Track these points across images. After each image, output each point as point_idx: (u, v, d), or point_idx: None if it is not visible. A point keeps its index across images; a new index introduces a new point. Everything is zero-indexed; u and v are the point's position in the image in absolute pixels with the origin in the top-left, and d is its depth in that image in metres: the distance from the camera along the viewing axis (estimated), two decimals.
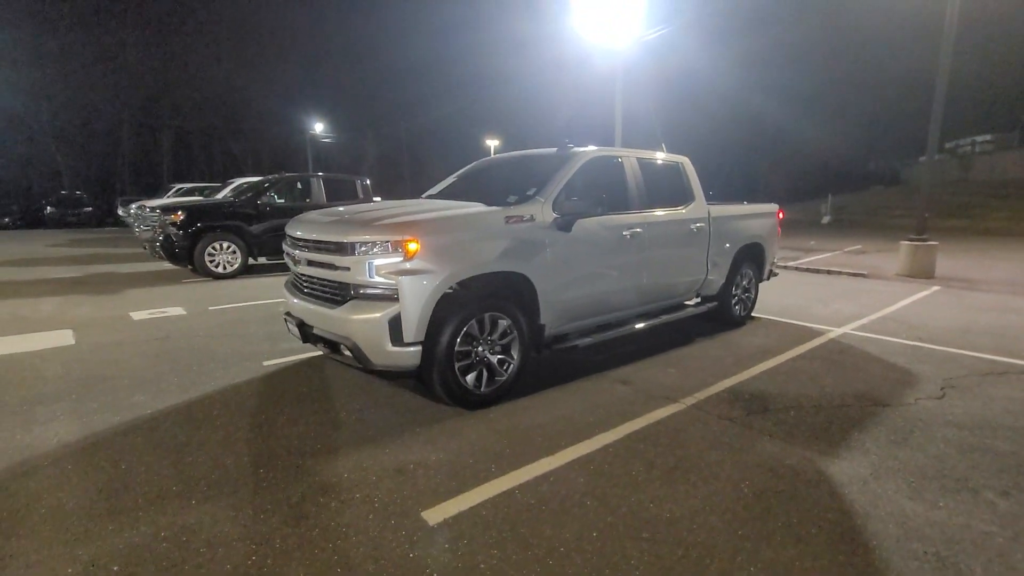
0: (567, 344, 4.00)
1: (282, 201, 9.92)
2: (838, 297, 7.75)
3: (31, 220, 23.85)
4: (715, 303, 5.54)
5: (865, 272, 9.94)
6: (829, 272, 10.36)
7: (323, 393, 3.75)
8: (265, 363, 4.41)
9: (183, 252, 8.56)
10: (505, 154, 4.88)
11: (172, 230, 8.55)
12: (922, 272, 9.37)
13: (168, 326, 5.73)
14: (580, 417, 3.38)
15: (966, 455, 2.95)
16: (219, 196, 11.18)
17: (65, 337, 5.24)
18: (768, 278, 6.42)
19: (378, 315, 3.04)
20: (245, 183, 11.27)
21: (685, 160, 5.24)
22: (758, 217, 5.99)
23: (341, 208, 4.20)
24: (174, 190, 18.83)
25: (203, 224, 8.61)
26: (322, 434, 3.11)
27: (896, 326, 5.94)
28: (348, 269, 3.18)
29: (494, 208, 3.61)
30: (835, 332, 5.67)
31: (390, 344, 3.07)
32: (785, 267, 11.02)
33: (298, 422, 3.27)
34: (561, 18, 15.36)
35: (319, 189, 10.01)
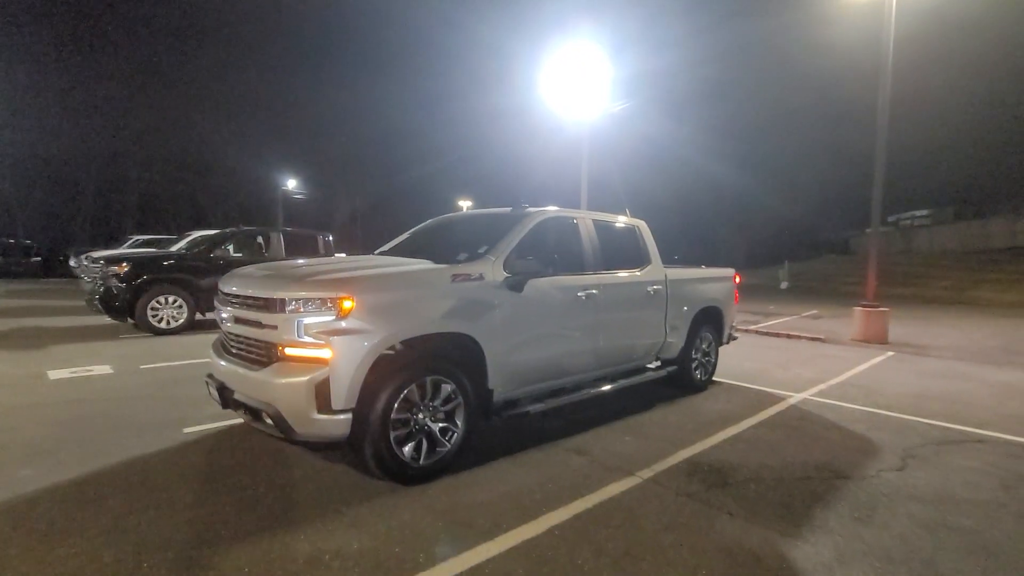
0: (518, 410, 3.75)
1: (239, 255, 9.59)
2: (797, 362, 7.78)
3: None
4: (675, 367, 5.42)
5: (822, 336, 10.12)
6: (788, 336, 10.51)
7: (244, 466, 3.36)
8: (185, 430, 3.98)
9: (124, 305, 8.05)
10: (462, 212, 4.82)
11: (114, 282, 8.07)
12: (876, 337, 9.58)
13: (88, 387, 5.21)
14: (528, 493, 3.09)
15: (931, 533, 2.78)
16: (173, 249, 10.78)
17: None
18: (728, 341, 6.39)
19: (304, 379, 2.77)
20: (201, 236, 10.92)
21: (641, 223, 5.28)
22: (715, 281, 6.03)
23: (278, 263, 3.97)
24: (131, 241, 18.21)
25: (149, 276, 8.17)
26: (231, 517, 2.72)
27: (854, 392, 5.91)
28: (275, 328, 2.92)
29: (440, 266, 3.46)
30: (795, 398, 5.59)
31: (316, 411, 2.78)
32: (746, 330, 11.15)
33: (206, 502, 2.87)
34: (532, 91, 16.17)
35: (278, 244, 9.76)
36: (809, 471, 3.57)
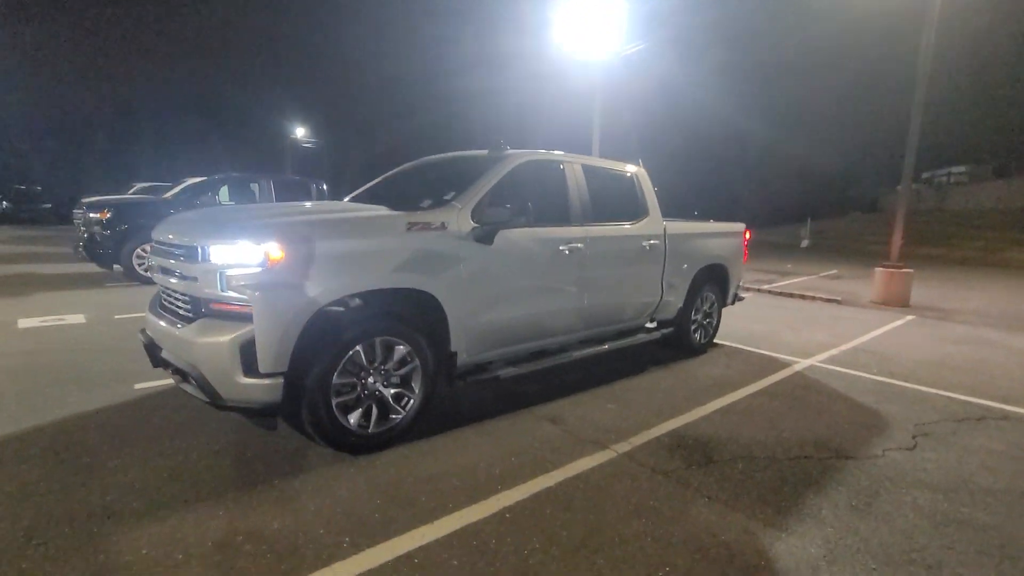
0: (487, 375, 3.42)
1: (231, 202, 9.27)
2: (809, 324, 7.31)
3: None
4: (672, 329, 5.02)
5: (839, 298, 9.57)
6: (803, 297, 9.98)
7: (186, 428, 3.11)
8: (137, 386, 3.75)
9: (108, 254, 7.84)
10: (438, 156, 4.34)
11: (97, 229, 7.83)
12: (897, 300, 9.01)
13: (53, 337, 5.03)
14: (486, 467, 2.79)
15: (940, 529, 2.42)
16: (167, 195, 10.48)
17: None
18: (733, 302, 5.95)
19: (226, 338, 2.44)
20: (193, 183, 10.59)
21: (640, 171, 4.75)
22: (721, 236, 5.52)
23: (216, 208, 3.57)
24: (133, 189, 17.99)
25: (131, 224, 7.90)
26: (151, 486, 2.47)
27: (867, 358, 5.48)
28: (196, 280, 2.58)
29: (394, 212, 3.05)
30: (802, 364, 5.18)
31: (241, 375, 2.46)
32: (758, 290, 10.64)
33: (130, 468, 2.63)
34: (543, 33, 15.06)
35: (268, 190, 9.38)
36: (807, 449, 3.22)
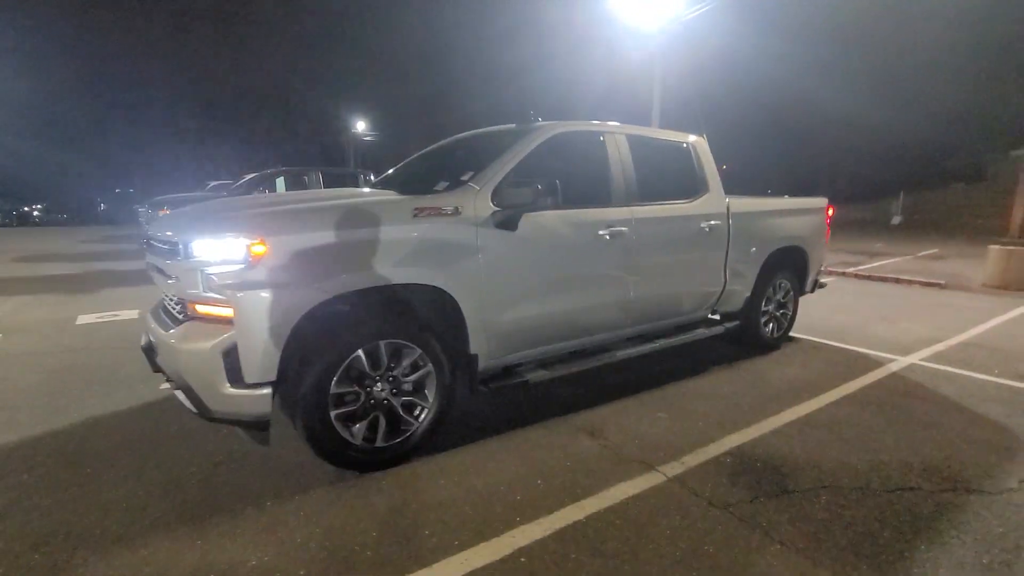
0: (514, 380, 3.00)
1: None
2: (907, 313, 6.30)
3: (86, 217, 25.05)
4: (737, 322, 4.36)
5: (943, 281, 8.29)
6: (898, 281, 8.76)
7: (196, 433, 2.94)
8: (163, 386, 3.66)
9: None
10: (467, 133, 3.92)
11: None
12: (1018, 283, 7.66)
13: (103, 333, 5.15)
14: (506, 492, 2.39)
15: None
16: (226, 192, 10.85)
17: None
18: (813, 290, 5.15)
19: (207, 345, 2.18)
20: (251, 177, 10.89)
21: (699, 141, 4.10)
22: (798, 214, 4.74)
23: (223, 199, 3.35)
24: (209, 186, 19.06)
25: None
26: (138, 504, 2.28)
27: (985, 356, 4.54)
28: (178, 279, 2.33)
29: (398, 198, 2.68)
30: (900, 363, 4.36)
31: (226, 385, 2.19)
32: (843, 273, 9.49)
33: (125, 481, 2.46)
34: (596, 5, 14.18)
35: (316, 183, 9.41)
36: (912, 477, 2.56)
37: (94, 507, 2.25)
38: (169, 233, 2.41)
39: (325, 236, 2.30)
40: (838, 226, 18.61)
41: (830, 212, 5.06)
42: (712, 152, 4.12)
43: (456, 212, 2.66)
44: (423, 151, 4.09)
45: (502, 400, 3.48)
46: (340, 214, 2.40)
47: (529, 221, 2.88)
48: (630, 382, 3.82)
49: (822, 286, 5.25)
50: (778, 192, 5.93)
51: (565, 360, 3.31)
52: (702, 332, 4.07)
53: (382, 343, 2.48)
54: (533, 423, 3.14)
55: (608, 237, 3.24)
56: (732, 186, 4.28)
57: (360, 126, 37.83)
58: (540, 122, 3.28)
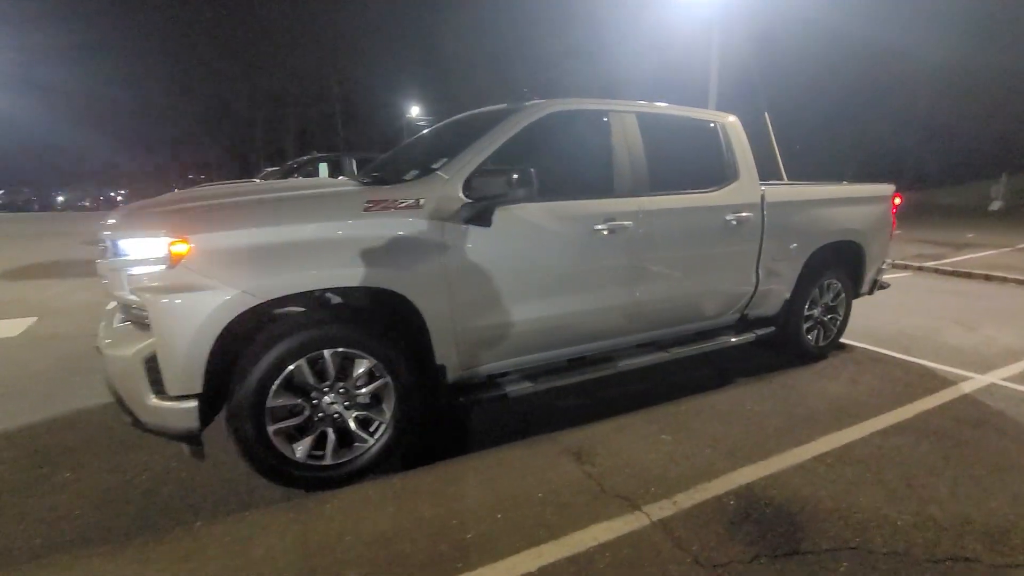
0: (491, 393, 2.68)
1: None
2: (994, 318, 5.38)
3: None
4: (772, 328, 3.80)
5: None
6: (988, 278, 7.61)
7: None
8: None
9: None
10: (463, 115, 3.57)
11: None
12: None
13: None
14: (458, 529, 2.10)
15: None
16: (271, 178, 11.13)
17: (18, 326, 4.98)
18: (872, 291, 4.45)
19: (129, 352, 2.01)
20: (292, 163, 11.10)
21: (728, 120, 3.54)
22: (854, 204, 4.06)
23: (181, 192, 3.16)
24: (263, 172, 19.84)
25: None
26: (73, 514, 2.17)
27: None
28: (106, 280, 2.18)
29: (350, 190, 2.40)
30: (976, 382, 3.66)
31: (152, 396, 2.03)
32: (920, 268, 8.39)
33: (73, 486, 2.38)
34: None
35: (350, 169, 9.38)
36: (969, 542, 2.03)
37: (30, 515, 2.17)
38: (106, 231, 2.26)
39: (257, 234, 2.06)
40: (922, 212, 16.66)
41: (896, 201, 4.32)
42: (776, 133, 3.57)
43: (416, 205, 2.34)
44: (417, 136, 3.79)
45: (485, 414, 3.18)
46: (276, 209, 2.15)
47: (507, 215, 2.53)
48: (637, 394, 3.40)
49: (883, 287, 4.53)
50: (856, 179, 5.15)
51: (558, 370, 2.95)
52: (726, 339, 3.56)
53: (328, 352, 2.23)
54: (515, 441, 2.82)
55: (606, 232, 2.82)
56: (801, 171, 3.71)
57: (414, 111, 38.18)
58: (533, 101, 2.88)
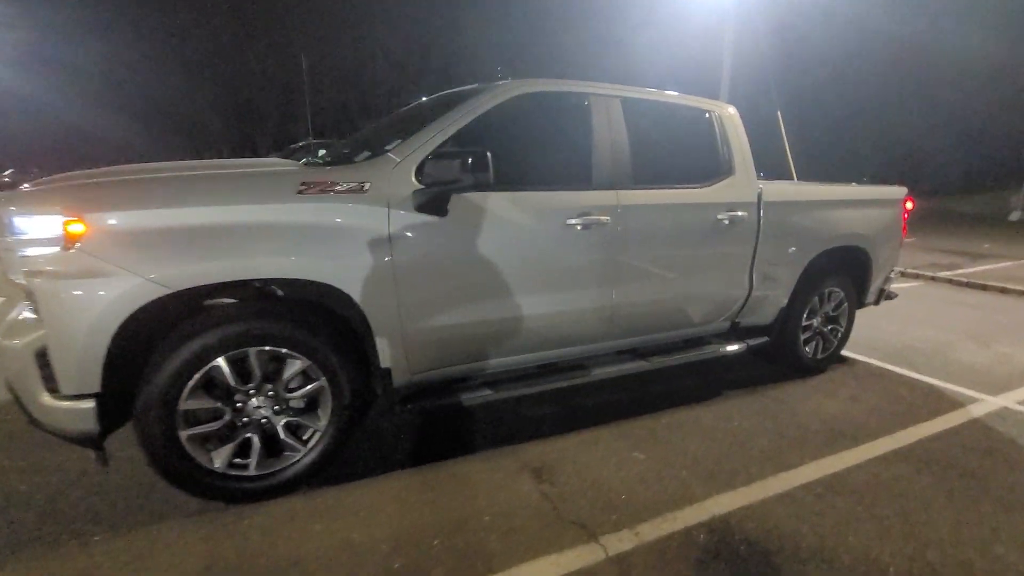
0: (443, 401, 2.43)
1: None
2: (1009, 334, 5.04)
3: None
4: (766, 338, 3.52)
5: None
6: (1004, 291, 7.23)
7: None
8: None
9: None
10: (441, 93, 3.30)
11: None
12: None
13: None
14: (387, 557, 1.85)
15: None
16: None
17: None
18: (878, 301, 4.14)
19: (20, 343, 1.79)
20: (295, 146, 10.91)
21: (725, 111, 3.25)
22: (861, 207, 3.75)
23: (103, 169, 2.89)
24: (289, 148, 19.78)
25: None
26: None
27: None
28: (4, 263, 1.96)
29: (284, 170, 2.17)
30: (986, 404, 3.36)
31: (45, 394, 1.80)
32: (933, 278, 8.01)
33: None
34: None
35: None
36: None
37: None
38: (9, 207, 2.03)
39: (166, 215, 1.82)
40: (938, 220, 16.13)
41: (908, 206, 4.00)
42: (792, 133, 3.28)
43: (360, 189, 2.09)
44: (390, 116, 3.54)
45: (448, 421, 2.94)
46: (191, 188, 1.91)
47: (466, 204, 2.27)
48: (614, 405, 3.14)
49: (891, 297, 4.21)
50: (875, 180, 4.79)
51: (525, 377, 2.70)
52: (715, 349, 3.29)
53: (252, 351, 2.00)
54: (473, 453, 2.58)
55: (580, 228, 2.56)
56: (817, 172, 3.41)
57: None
58: (506, 82, 2.61)
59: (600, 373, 2.84)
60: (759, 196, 3.19)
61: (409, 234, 2.18)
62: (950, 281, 7.87)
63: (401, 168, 2.19)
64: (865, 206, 3.76)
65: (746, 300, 3.33)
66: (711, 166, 3.14)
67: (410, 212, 2.17)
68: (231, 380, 1.99)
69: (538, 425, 2.87)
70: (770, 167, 4.32)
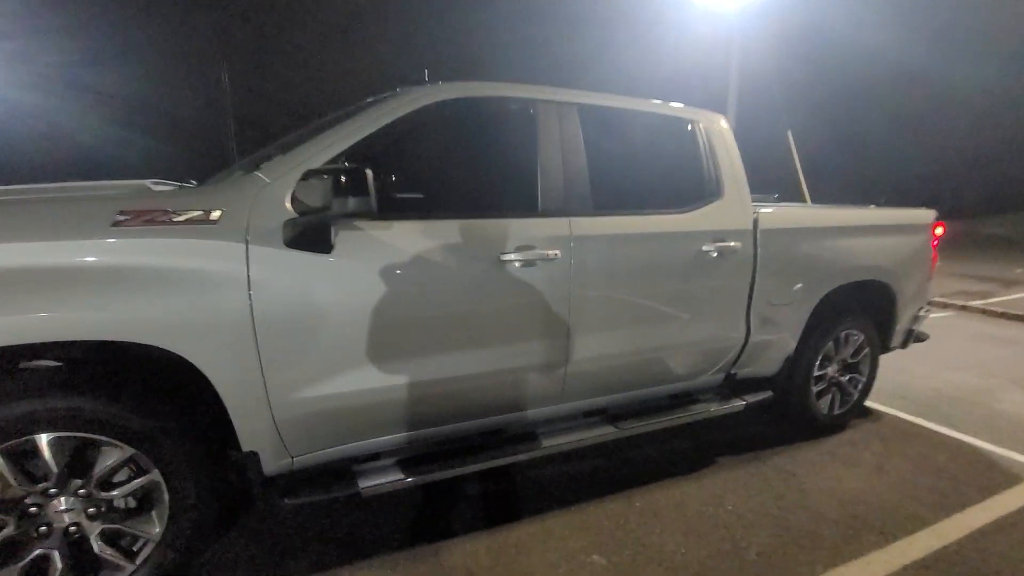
0: (330, 494, 1.86)
1: None
2: None
3: None
4: (769, 393, 2.91)
5: None
6: None
7: None
8: None
9: None
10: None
11: None
12: None
13: None
14: None
15: None
16: None
17: None
18: (906, 344, 3.50)
19: None
20: None
21: (713, 122, 2.71)
22: (881, 234, 3.15)
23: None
24: None
25: None
26: None
27: None
28: None
29: (97, 194, 1.67)
30: None
31: None
32: (963, 308, 7.29)
33: None
34: None
35: None
36: None
37: None
38: None
39: None
40: (963, 243, 15.26)
41: (938, 232, 3.40)
42: (801, 153, 2.75)
43: (206, 219, 1.58)
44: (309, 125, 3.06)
45: (363, 508, 2.37)
46: None
47: (361, 237, 1.75)
48: (575, 480, 2.54)
49: (921, 339, 3.57)
50: (894, 202, 4.18)
51: (452, 453, 2.13)
52: (703, 408, 2.68)
53: (46, 437, 1.47)
54: (387, 551, 2.00)
55: (519, 265, 2.01)
56: (828, 193, 2.86)
57: None
58: (427, 86, 2.11)
59: (552, 445, 2.25)
60: (755, 222, 2.62)
61: (278, 277, 1.65)
62: (983, 311, 7.15)
63: (270, 191, 1.68)
64: (887, 233, 3.16)
65: (743, 347, 2.74)
66: (694, 187, 2.58)
67: (279, 249, 1.65)
68: (12, 476, 1.45)
69: (471, 510, 2.29)
70: (782, 190, 3.78)
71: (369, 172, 1.57)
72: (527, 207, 2.12)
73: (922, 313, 3.50)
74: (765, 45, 12.26)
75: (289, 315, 1.67)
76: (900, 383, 3.97)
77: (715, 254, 2.49)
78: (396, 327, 1.85)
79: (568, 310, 2.15)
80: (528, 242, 2.03)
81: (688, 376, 2.67)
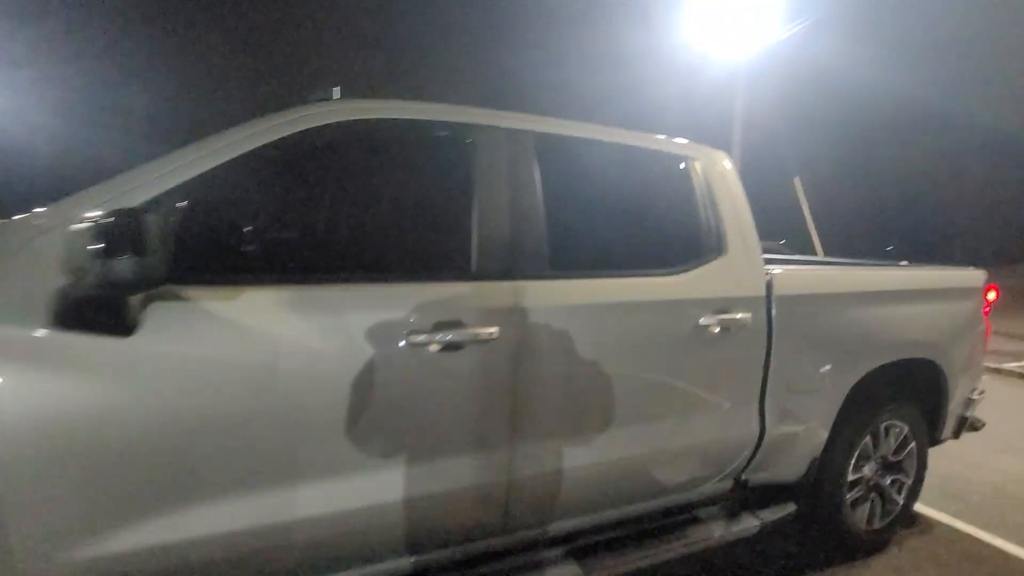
0: None
1: None
2: None
3: None
4: (793, 505, 2.24)
5: None
6: None
7: None
8: None
9: None
10: None
11: None
12: None
13: None
14: None
15: None
16: None
17: None
18: (958, 434, 2.83)
19: None
20: None
21: (713, 161, 2.16)
22: (926, 299, 2.54)
23: None
24: None
25: None
26: None
27: None
28: None
29: None
30: None
31: None
32: (999, 369, 6.57)
33: None
34: (668, 28, 12.46)
35: None
36: None
37: None
38: None
39: None
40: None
41: (990, 296, 2.79)
42: (810, 198, 2.22)
43: None
44: None
45: None
46: None
47: (192, 310, 1.18)
48: None
49: (976, 427, 2.90)
50: (899, 253, 3.57)
51: None
52: (704, 533, 2.00)
53: None
54: None
55: (437, 349, 1.42)
56: (838, 243, 2.29)
57: None
58: (325, 102, 1.58)
59: None
60: (768, 287, 2.03)
61: (40, 378, 1.07)
62: (1022, 376, 6.42)
63: (40, 246, 1.12)
64: (932, 299, 2.54)
65: (756, 447, 2.09)
66: (689, 242, 2.01)
67: (49, 331, 1.08)
68: None
69: None
70: (787, 235, 3.18)
71: (152, 217, 1.01)
72: (454, 267, 1.55)
73: (976, 396, 2.85)
74: (772, 92, 12.02)
75: (50, 432, 1.08)
76: (949, 475, 3.27)
77: (717, 329, 1.88)
78: (231, 445, 1.24)
79: (511, 410, 1.55)
80: (453, 316, 1.45)
81: (683, 487, 2.02)
